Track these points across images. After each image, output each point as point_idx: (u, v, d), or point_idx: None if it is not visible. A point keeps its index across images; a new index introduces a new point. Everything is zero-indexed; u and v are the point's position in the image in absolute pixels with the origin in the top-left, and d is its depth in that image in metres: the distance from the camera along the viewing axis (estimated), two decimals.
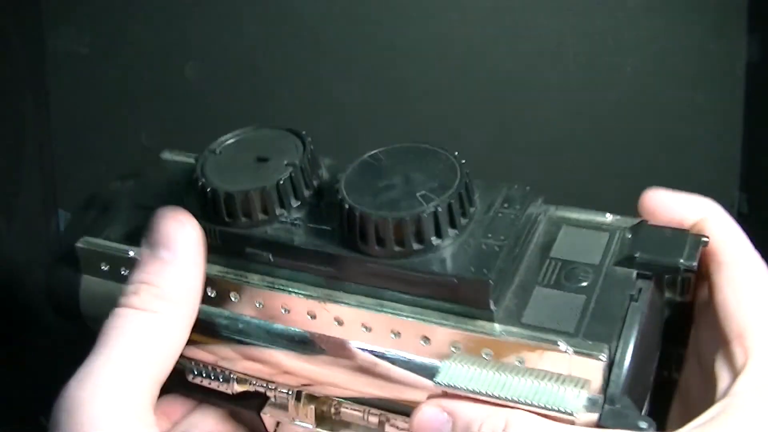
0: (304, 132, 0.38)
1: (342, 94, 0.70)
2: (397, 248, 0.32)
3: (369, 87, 0.70)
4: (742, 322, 0.30)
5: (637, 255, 0.33)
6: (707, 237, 0.32)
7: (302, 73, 0.70)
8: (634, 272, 0.33)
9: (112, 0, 0.69)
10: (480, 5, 0.68)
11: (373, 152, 0.36)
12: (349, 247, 0.33)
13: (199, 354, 0.37)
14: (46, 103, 0.71)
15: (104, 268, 0.37)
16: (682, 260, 0.32)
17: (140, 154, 0.71)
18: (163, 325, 0.32)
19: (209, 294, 0.35)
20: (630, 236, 0.34)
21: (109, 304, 0.33)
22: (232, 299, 0.35)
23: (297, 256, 0.34)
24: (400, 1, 0.69)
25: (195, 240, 0.34)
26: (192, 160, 0.39)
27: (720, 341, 0.31)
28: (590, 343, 0.30)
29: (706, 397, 0.30)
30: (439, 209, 0.32)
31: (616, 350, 0.30)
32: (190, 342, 0.34)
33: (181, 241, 0.33)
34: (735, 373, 0.29)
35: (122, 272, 0.36)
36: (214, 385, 0.38)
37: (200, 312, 0.34)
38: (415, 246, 0.32)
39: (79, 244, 0.37)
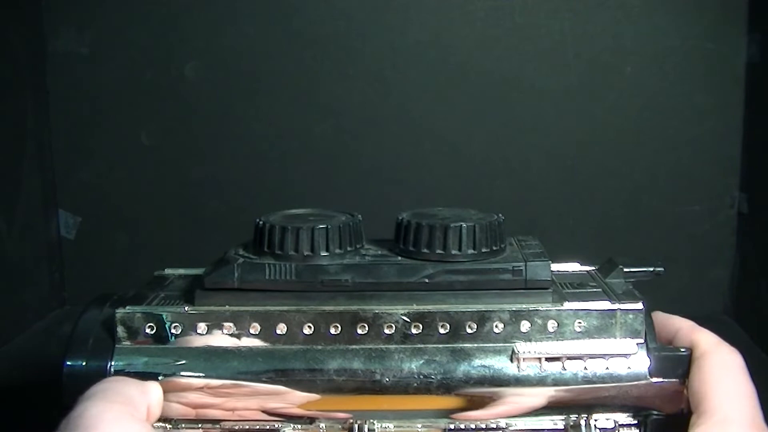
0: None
1: (341, 94, 0.70)
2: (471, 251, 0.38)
3: (368, 87, 0.70)
4: (699, 395, 0.35)
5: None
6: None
7: (302, 74, 0.70)
8: None
9: (112, 0, 0.69)
10: (480, 5, 0.68)
11: None
12: (426, 259, 0.38)
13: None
14: (46, 103, 0.71)
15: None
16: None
17: (140, 154, 0.71)
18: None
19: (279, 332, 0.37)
20: None
21: None
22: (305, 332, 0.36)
23: (380, 274, 0.37)
24: (401, 1, 0.69)
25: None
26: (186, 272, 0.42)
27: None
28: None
29: None
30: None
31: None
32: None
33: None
34: None
35: None
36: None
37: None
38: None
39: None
